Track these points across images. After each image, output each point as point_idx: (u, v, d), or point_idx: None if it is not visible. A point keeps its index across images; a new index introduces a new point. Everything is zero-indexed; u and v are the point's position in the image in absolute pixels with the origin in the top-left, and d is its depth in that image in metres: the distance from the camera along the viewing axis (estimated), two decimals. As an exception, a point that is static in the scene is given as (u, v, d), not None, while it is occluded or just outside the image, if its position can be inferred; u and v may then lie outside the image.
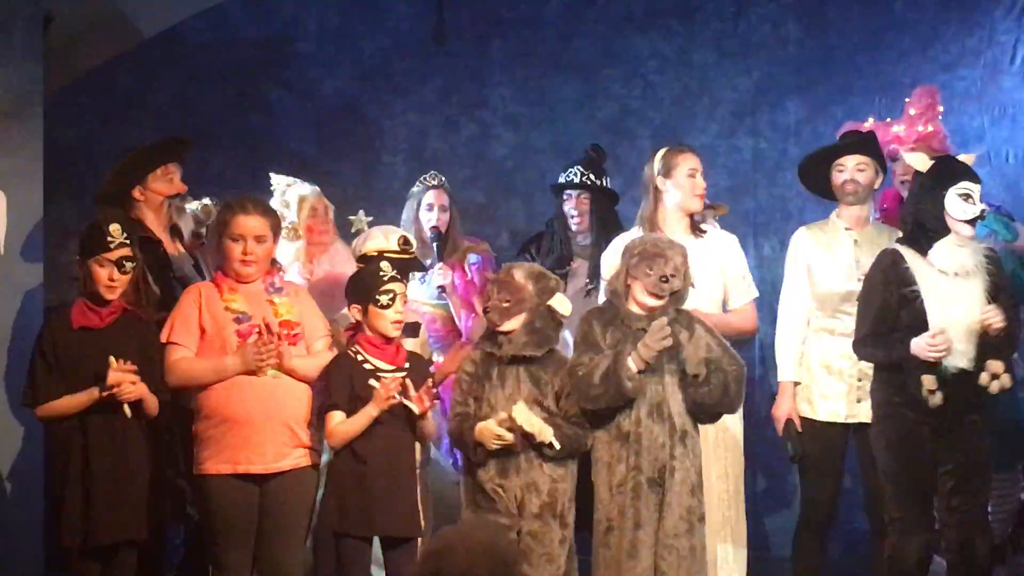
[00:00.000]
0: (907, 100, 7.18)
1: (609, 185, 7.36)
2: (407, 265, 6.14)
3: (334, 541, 5.72)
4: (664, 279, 5.67)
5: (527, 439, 5.62)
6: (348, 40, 8.68)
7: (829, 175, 6.53)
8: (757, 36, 8.64)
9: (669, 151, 6.54)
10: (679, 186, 6.47)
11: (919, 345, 5.76)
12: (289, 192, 6.90)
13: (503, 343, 5.73)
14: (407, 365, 5.77)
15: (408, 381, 5.65)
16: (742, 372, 5.77)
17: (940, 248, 5.85)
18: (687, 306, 5.84)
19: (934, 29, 8.37)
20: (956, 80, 8.15)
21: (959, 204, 5.85)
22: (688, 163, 6.49)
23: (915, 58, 8.35)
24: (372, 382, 5.64)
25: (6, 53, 6.73)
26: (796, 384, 6.46)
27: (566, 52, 8.71)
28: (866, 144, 6.54)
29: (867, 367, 6.24)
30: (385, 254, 6.06)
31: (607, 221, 7.21)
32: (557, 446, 5.62)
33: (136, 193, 6.37)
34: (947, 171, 5.91)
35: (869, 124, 7.06)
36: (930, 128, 7.04)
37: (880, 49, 8.43)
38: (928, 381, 5.76)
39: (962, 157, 6.03)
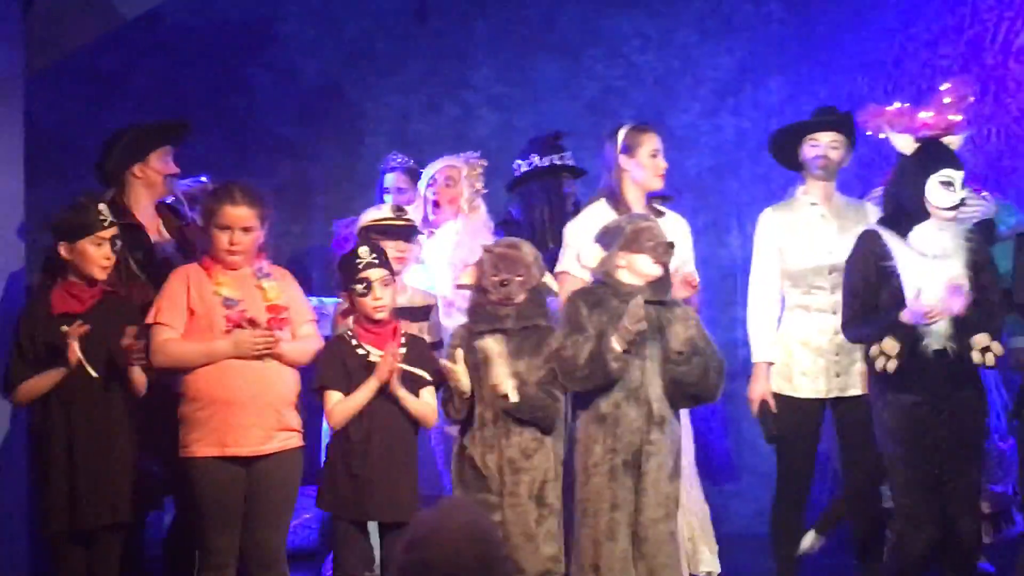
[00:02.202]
0: (941, 88, 7.16)
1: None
2: (403, 230, 6.24)
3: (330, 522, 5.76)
4: (671, 245, 5.73)
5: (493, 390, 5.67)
6: (330, 21, 8.66)
7: (798, 149, 6.53)
8: (739, 15, 8.64)
9: (631, 130, 6.54)
10: (641, 165, 6.48)
11: (913, 313, 5.72)
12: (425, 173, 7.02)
13: (509, 315, 5.75)
14: (403, 349, 5.77)
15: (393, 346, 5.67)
16: (722, 364, 5.79)
17: (919, 231, 5.83)
18: None
19: (916, 7, 8.36)
20: (938, 58, 8.16)
21: (939, 191, 5.84)
22: (651, 143, 6.50)
23: (897, 36, 8.35)
24: (374, 357, 5.65)
25: (-14, 36, 6.71)
26: (770, 365, 6.47)
27: (549, 32, 8.70)
28: (842, 123, 6.54)
29: (845, 342, 6.26)
30: (381, 222, 6.20)
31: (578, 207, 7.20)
32: (513, 398, 5.64)
33: (136, 170, 6.33)
34: (930, 157, 5.90)
35: (894, 107, 7.02)
36: (959, 117, 7.02)
37: (862, 27, 8.43)
38: (888, 344, 5.73)
39: (948, 139, 6.01)
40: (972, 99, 7.01)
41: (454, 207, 6.97)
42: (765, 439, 6.46)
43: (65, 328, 5.58)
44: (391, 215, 6.31)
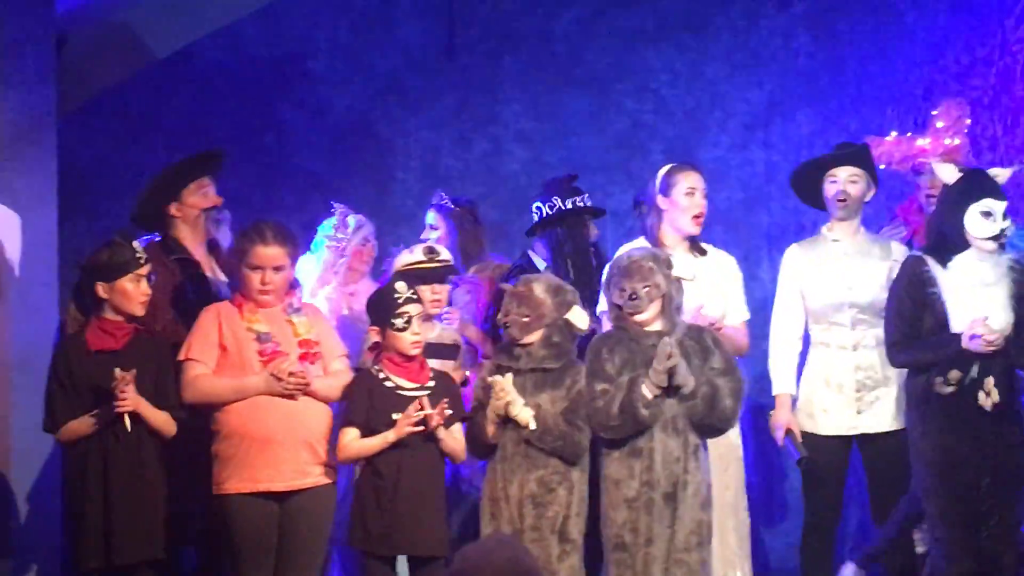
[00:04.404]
0: (933, 113, 7.16)
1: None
2: (437, 273, 6.26)
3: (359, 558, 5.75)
4: (631, 295, 5.67)
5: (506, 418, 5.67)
6: (359, 57, 8.70)
7: (821, 186, 6.53)
8: (768, 48, 8.64)
9: (671, 168, 6.53)
10: (675, 205, 6.46)
11: (975, 341, 5.70)
12: (351, 217, 6.96)
13: (521, 356, 5.74)
14: (432, 384, 5.79)
15: (425, 399, 5.66)
16: (739, 387, 5.73)
17: (960, 261, 5.82)
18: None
19: (945, 39, 8.35)
20: (968, 90, 8.13)
21: (979, 221, 5.82)
22: (687, 181, 6.46)
23: (926, 68, 8.33)
24: (395, 415, 5.65)
25: (19, 75, 6.76)
26: (792, 396, 6.45)
27: (577, 67, 8.71)
28: (859, 156, 6.53)
29: (866, 378, 6.31)
30: (415, 266, 6.21)
31: (599, 247, 7.14)
32: (532, 426, 5.63)
33: (173, 209, 6.33)
34: (971, 187, 5.88)
35: (891, 137, 7.04)
36: (957, 141, 7.01)
37: (891, 59, 8.42)
38: (955, 374, 5.73)
39: (994, 171, 5.99)
40: (968, 121, 7.02)
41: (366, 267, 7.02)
42: (797, 464, 6.43)
43: (119, 372, 5.59)
44: (423, 258, 6.31)
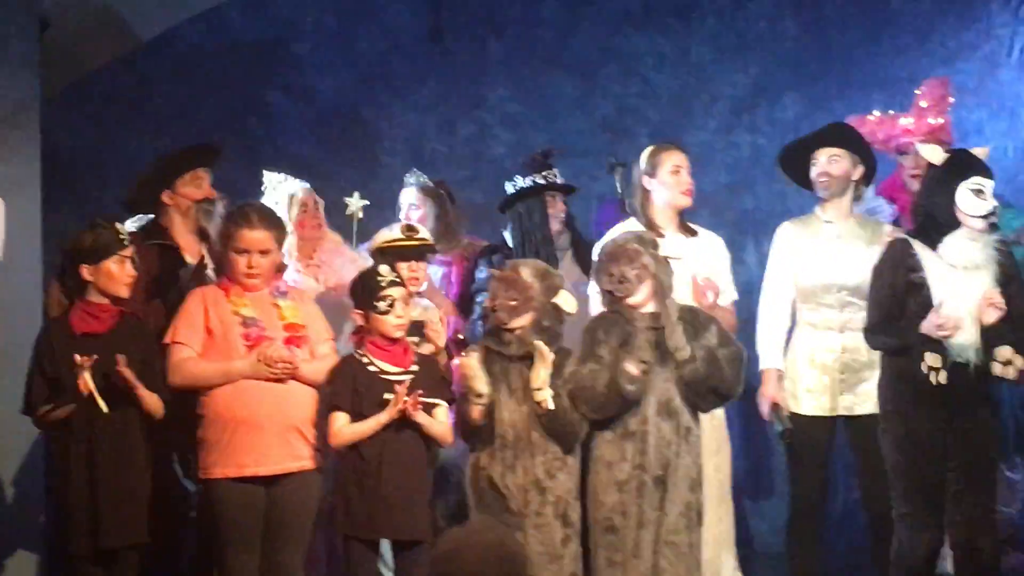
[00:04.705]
0: (916, 92, 7.16)
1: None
2: (418, 250, 6.26)
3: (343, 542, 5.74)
4: (619, 279, 5.68)
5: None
6: (345, 41, 8.67)
7: (808, 166, 6.53)
8: (754, 32, 8.63)
9: (654, 149, 6.56)
10: (663, 183, 6.48)
11: (928, 324, 5.73)
12: (280, 189, 6.93)
13: (511, 341, 5.73)
14: (415, 367, 5.78)
15: (402, 385, 5.65)
16: (739, 354, 5.75)
17: (950, 242, 5.82)
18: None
19: (931, 23, 8.36)
20: (954, 74, 8.13)
21: (971, 199, 5.82)
22: (672, 160, 6.50)
23: (913, 52, 8.34)
24: (387, 395, 5.64)
25: (2, 59, 6.74)
26: (778, 371, 6.46)
27: (563, 51, 8.69)
28: (839, 135, 6.52)
29: (851, 360, 6.33)
30: (394, 244, 6.21)
31: (572, 224, 7.18)
32: (551, 405, 5.61)
33: (165, 197, 6.36)
34: (960, 165, 5.88)
35: (874, 117, 7.04)
36: (940, 120, 7.01)
37: (877, 44, 8.43)
38: (931, 358, 5.73)
39: (975, 151, 6.00)
40: (951, 100, 7.02)
41: (319, 232, 6.93)
42: (780, 437, 6.46)
43: (77, 358, 5.58)
44: (402, 236, 6.32)
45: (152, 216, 6.40)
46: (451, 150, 8.63)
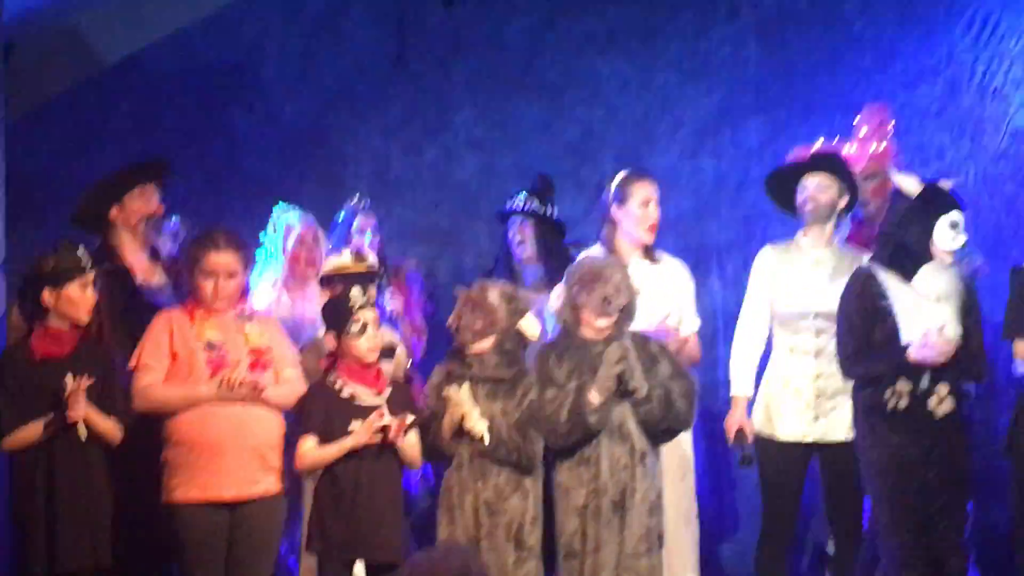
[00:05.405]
0: (855, 122, 7.20)
1: (556, 216, 7.29)
2: (364, 277, 6.27)
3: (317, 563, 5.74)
4: (607, 300, 5.68)
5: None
6: (310, 65, 8.67)
7: (795, 192, 6.55)
8: (718, 57, 8.66)
9: (626, 178, 6.57)
10: (630, 215, 6.49)
11: (928, 350, 5.73)
12: (280, 219, 6.92)
13: (473, 363, 5.74)
14: (388, 393, 5.78)
15: (385, 409, 5.65)
16: (692, 387, 5.79)
17: (923, 273, 5.85)
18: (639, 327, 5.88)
19: (893, 48, 8.40)
20: (916, 98, 8.19)
21: (948, 233, 5.85)
22: (643, 191, 6.52)
23: (875, 76, 8.37)
24: (354, 424, 5.64)
25: (-34, 83, 6.70)
26: (748, 398, 6.48)
27: (528, 75, 8.71)
28: (828, 163, 6.55)
29: (825, 386, 6.35)
30: (344, 271, 6.24)
31: (553, 251, 7.14)
32: (487, 439, 5.64)
33: (113, 212, 6.34)
34: (938, 198, 5.90)
35: (817, 145, 7.06)
36: (882, 147, 7.04)
37: (840, 68, 8.46)
38: (902, 384, 5.76)
39: (942, 183, 6.02)
40: (891, 125, 7.04)
41: (313, 269, 6.87)
42: (739, 461, 6.48)
43: (69, 382, 5.55)
44: (350, 262, 6.33)
45: (96, 236, 6.35)
46: (416, 174, 8.62)
